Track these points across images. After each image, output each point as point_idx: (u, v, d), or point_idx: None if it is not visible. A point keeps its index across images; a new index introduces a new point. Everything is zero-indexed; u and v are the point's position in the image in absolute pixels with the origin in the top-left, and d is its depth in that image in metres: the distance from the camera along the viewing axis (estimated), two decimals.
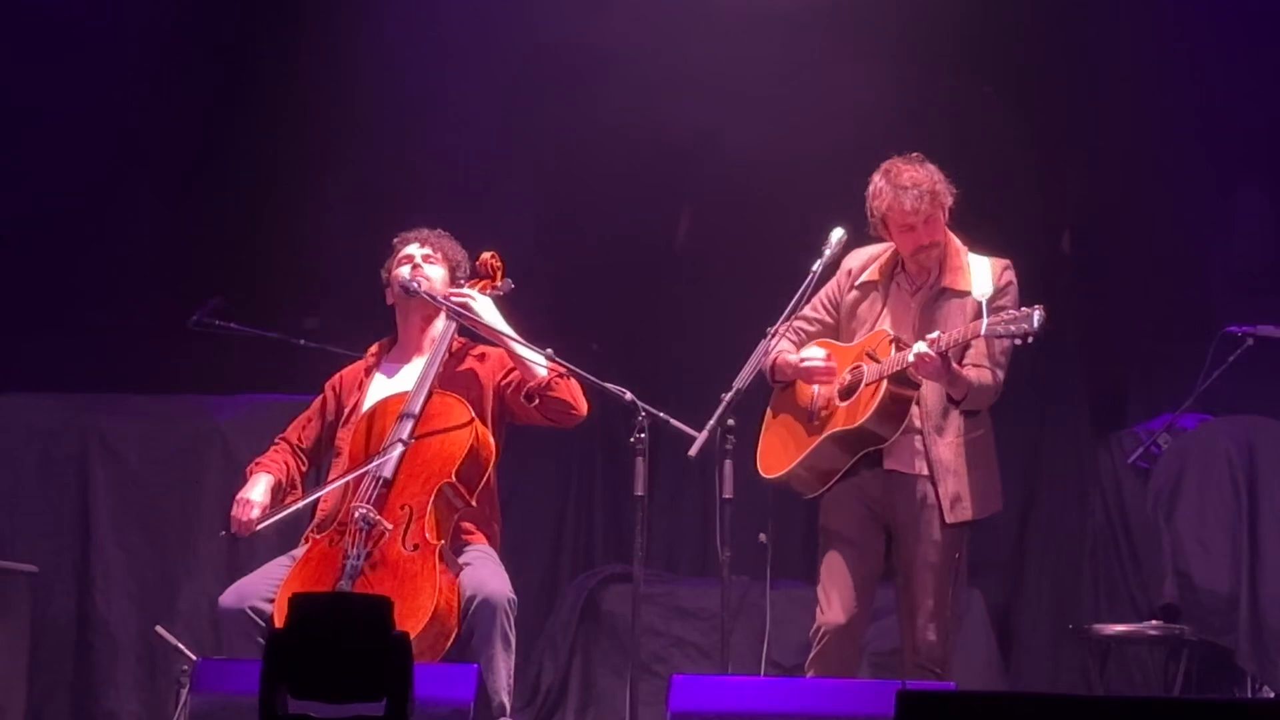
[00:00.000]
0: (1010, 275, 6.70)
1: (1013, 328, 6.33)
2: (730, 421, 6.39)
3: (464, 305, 6.80)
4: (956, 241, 6.76)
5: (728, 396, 6.45)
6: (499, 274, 6.98)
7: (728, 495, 6.36)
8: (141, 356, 9.15)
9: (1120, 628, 8.12)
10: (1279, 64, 9.06)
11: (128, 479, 8.51)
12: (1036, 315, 6.30)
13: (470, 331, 6.91)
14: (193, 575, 8.38)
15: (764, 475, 6.76)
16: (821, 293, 6.89)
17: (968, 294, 6.66)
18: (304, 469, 6.93)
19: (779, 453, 6.75)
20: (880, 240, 6.78)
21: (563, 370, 6.67)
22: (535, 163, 9.53)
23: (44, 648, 8.20)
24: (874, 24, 9.05)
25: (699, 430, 6.42)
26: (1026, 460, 9.36)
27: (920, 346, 6.43)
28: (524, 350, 6.71)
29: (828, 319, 6.86)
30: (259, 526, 6.65)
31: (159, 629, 7.40)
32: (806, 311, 6.88)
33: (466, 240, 7.02)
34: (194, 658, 6.95)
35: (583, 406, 6.75)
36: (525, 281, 7.02)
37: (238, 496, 6.71)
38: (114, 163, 9.49)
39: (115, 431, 8.57)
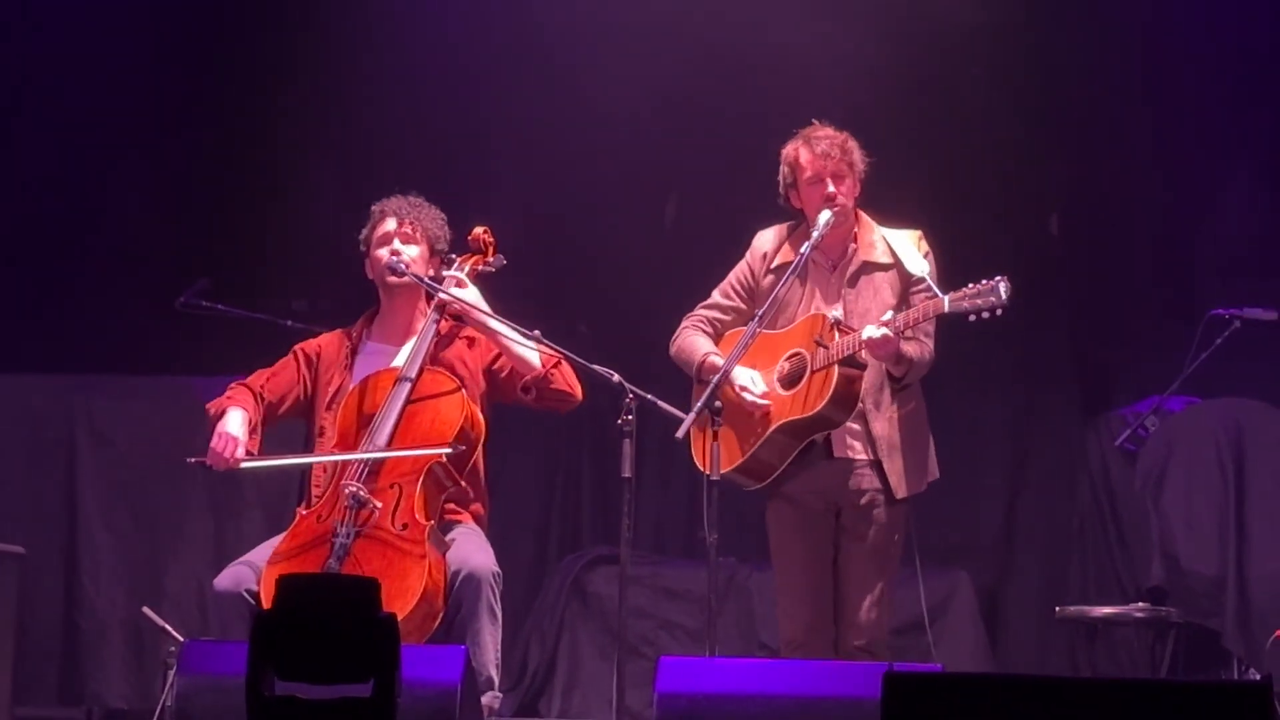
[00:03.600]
0: (926, 245, 6.67)
1: (979, 302, 6.27)
2: (718, 404, 6.38)
3: (452, 298, 6.71)
4: (866, 216, 6.72)
5: (715, 378, 6.44)
6: (491, 249, 6.89)
7: (715, 477, 6.35)
8: (129, 338, 9.15)
9: (1107, 610, 8.13)
10: (1267, 47, 9.06)
11: (115, 460, 8.51)
12: (1002, 286, 6.25)
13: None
14: (180, 557, 8.38)
15: (704, 470, 6.56)
16: (732, 277, 6.84)
17: (890, 267, 6.63)
18: (262, 419, 6.69)
19: (721, 448, 6.50)
20: (791, 213, 6.73)
21: (556, 358, 6.65)
22: (524, 144, 9.52)
23: (31, 629, 8.19)
24: (864, 2, 9.05)
25: (686, 412, 6.42)
26: (1014, 443, 9.38)
27: (873, 330, 6.38)
28: (516, 345, 6.66)
29: (742, 305, 6.78)
30: (243, 466, 6.49)
31: (146, 610, 7.38)
32: (718, 299, 6.83)
33: (456, 221, 6.98)
34: (181, 639, 6.94)
35: (579, 393, 6.71)
36: (514, 262, 6.98)
37: (219, 429, 6.49)
38: (103, 145, 9.48)
39: (103, 413, 8.56)
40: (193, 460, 6.61)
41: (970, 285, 6.33)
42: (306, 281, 9.32)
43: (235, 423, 6.53)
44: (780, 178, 6.73)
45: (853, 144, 6.67)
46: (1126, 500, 8.44)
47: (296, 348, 6.91)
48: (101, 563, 8.43)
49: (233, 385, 6.72)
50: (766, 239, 6.82)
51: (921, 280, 6.53)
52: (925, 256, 6.61)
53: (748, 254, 6.84)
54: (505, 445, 8.04)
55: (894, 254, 6.62)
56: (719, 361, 6.63)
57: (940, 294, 6.39)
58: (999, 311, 6.27)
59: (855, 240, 6.69)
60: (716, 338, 6.79)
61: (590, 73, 9.21)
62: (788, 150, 6.71)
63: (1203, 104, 9.13)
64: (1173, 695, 4.64)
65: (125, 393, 8.68)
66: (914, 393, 6.67)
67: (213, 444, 6.50)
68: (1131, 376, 9.12)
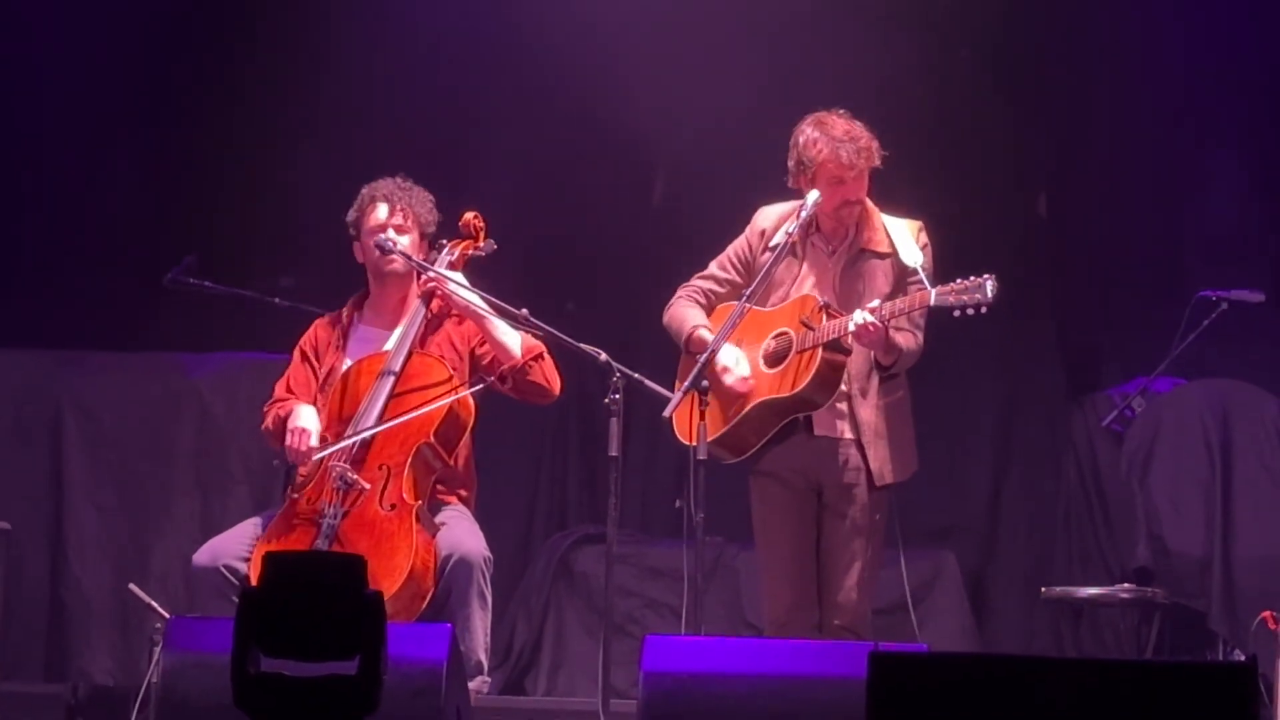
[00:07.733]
0: (925, 237, 6.66)
1: (965, 298, 6.28)
2: (705, 383, 6.37)
3: (441, 282, 6.72)
4: (870, 204, 6.70)
5: (703, 357, 6.44)
6: (481, 234, 6.89)
7: (702, 456, 6.35)
8: (116, 315, 9.13)
9: (1093, 591, 8.14)
10: (1255, 31, 9.06)
11: (101, 437, 8.48)
12: (989, 285, 6.25)
13: None
14: (166, 533, 8.36)
15: (686, 443, 6.58)
16: (730, 251, 6.82)
17: (887, 256, 6.61)
18: None
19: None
20: (796, 192, 6.69)
21: (538, 350, 6.64)
22: (512, 122, 9.50)
23: (17, 606, 8.18)
24: None
25: (670, 388, 6.41)
26: (1001, 423, 9.37)
27: (861, 316, 6.38)
28: (499, 333, 6.66)
29: (737, 279, 6.76)
30: (317, 456, 6.54)
31: (132, 587, 7.38)
32: (715, 271, 6.82)
33: (444, 200, 6.97)
34: (167, 616, 6.94)
35: (556, 388, 6.72)
36: (501, 241, 6.99)
37: (291, 425, 6.58)
38: (89, 121, 9.46)
39: (89, 390, 8.54)
40: (276, 463, 6.80)
41: (958, 280, 6.33)
42: (294, 258, 9.31)
43: (307, 416, 6.60)
44: (792, 161, 6.65)
45: (874, 144, 6.59)
46: (1113, 481, 8.44)
47: (298, 347, 6.94)
48: (87, 539, 8.41)
49: (274, 401, 6.79)
50: (768, 216, 6.79)
51: (915, 272, 6.52)
52: (923, 249, 6.60)
53: (748, 229, 6.82)
54: (491, 424, 8.02)
55: (893, 244, 6.61)
56: (707, 336, 6.62)
57: (929, 287, 6.39)
58: (984, 309, 6.27)
59: (857, 226, 6.67)
60: (709, 310, 6.78)
61: (576, 51, 9.18)
62: (810, 142, 6.58)
63: (1191, 87, 9.13)
64: (1158, 676, 4.65)
65: (112, 369, 8.66)
66: (900, 382, 6.67)
67: (287, 442, 6.57)
68: (1119, 357, 9.12)
